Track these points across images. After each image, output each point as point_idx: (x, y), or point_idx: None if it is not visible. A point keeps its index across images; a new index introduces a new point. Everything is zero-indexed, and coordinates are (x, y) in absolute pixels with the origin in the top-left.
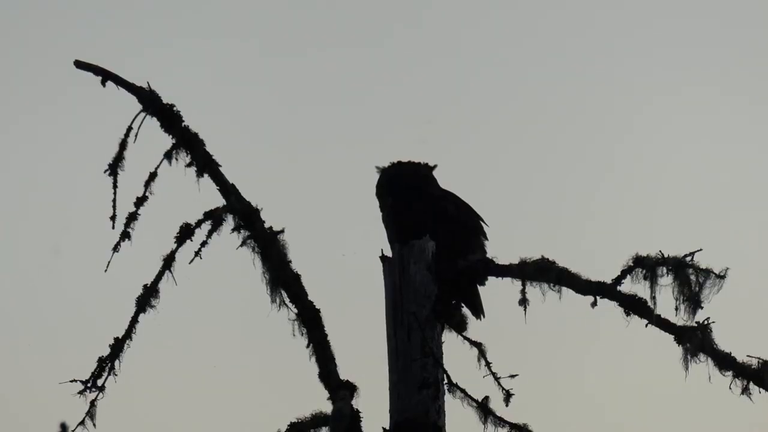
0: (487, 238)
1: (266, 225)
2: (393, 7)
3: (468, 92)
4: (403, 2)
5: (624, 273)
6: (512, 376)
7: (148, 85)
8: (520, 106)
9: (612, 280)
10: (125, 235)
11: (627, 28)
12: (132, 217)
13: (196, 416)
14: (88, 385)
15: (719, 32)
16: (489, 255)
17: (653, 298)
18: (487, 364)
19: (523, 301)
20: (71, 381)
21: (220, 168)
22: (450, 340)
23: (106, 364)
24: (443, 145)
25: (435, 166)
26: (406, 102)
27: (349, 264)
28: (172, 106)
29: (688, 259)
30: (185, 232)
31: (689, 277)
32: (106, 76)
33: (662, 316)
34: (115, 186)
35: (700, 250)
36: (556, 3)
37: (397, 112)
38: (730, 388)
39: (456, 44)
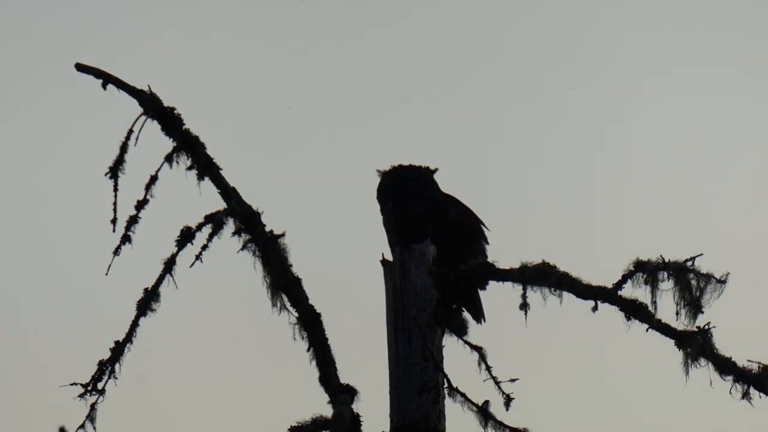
0: (488, 243)
1: (267, 228)
2: (393, 7)
3: (469, 94)
4: (403, 3)
5: (625, 278)
6: (512, 381)
7: (149, 88)
8: (522, 110)
9: (613, 284)
10: (126, 239)
11: (637, 27)
12: (133, 221)
13: (196, 420)
14: (89, 388)
15: (725, 32)
16: (490, 259)
17: (654, 302)
18: (488, 368)
19: (524, 306)
20: (71, 384)
21: (221, 171)
22: (450, 344)
23: (106, 368)
24: (444, 147)
25: (436, 170)
26: (408, 104)
27: (350, 268)
28: (173, 109)
29: (689, 263)
30: (186, 236)
31: (690, 282)
32: (106, 79)
33: (663, 321)
34: (115, 189)
35: (701, 254)
36: (564, 6)
37: (398, 113)
38: (730, 393)
39: (456, 43)
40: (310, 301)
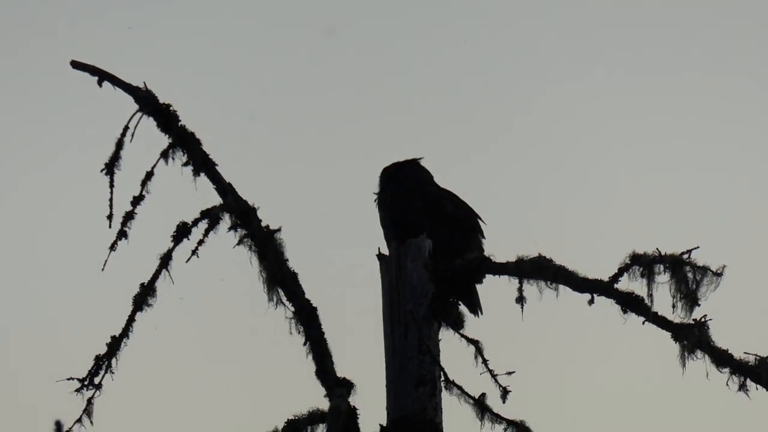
0: (484, 236)
1: (263, 223)
2: (392, 10)
3: (464, 89)
4: (402, 5)
5: (621, 271)
6: (509, 374)
7: (145, 84)
8: (517, 103)
9: (609, 277)
10: (122, 234)
11: (626, 29)
12: (129, 216)
13: (193, 414)
14: (86, 383)
15: (718, 30)
16: (486, 253)
17: (650, 295)
18: (484, 361)
19: (520, 299)
20: (68, 379)
21: (217, 167)
22: (447, 337)
23: (103, 363)
24: (440, 143)
25: (421, 158)
26: (404, 100)
27: (346, 262)
28: (168, 105)
29: (685, 256)
30: (182, 231)
31: (686, 275)
32: (102, 76)
33: (659, 314)
34: (111, 185)
35: (697, 247)
36: (556, 5)
37: (395, 110)
38: (727, 385)
39: (452, 41)
40: (307, 296)
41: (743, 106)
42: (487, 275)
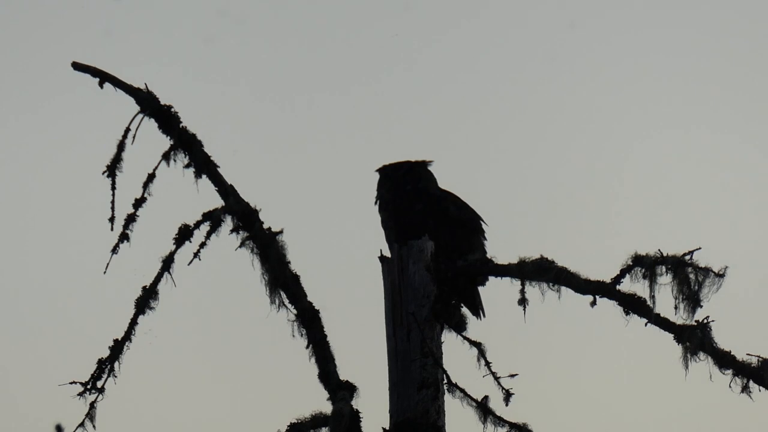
0: (486, 238)
1: (265, 226)
2: (391, 9)
3: (465, 90)
4: (400, 6)
5: (623, 272)
6: (512, 376)
7: (146, 86)
8: (520, 104)
9: (611, 279)
10: (124, 237)
11: (629, 26)
12: (130, 219)
13: (195, 417)
14: (88, 386)
15: (719, 30)
16: (488, 255)
17: (652, 297)
18: (487, 363)
19: (523, 301)
20: (71, 383)
21: (219, 169)
22: (449, 340)
23: (105, 366)
24: (442, 142)
25: (431, 162)
26: (404, 100)
27: (348, 264)
28: (170, 107)
29: (687, 257)
30: (184, 234)
31: (688, 276)
32: (103, 77)
33: (661, 315)
34: (113, 187)
35: (699, 248)
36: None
37: (395, 110)
38: (729, 387)
39: (453, 42)
40: (309, 298)
41: (746, 106)
42: (489, 277)
